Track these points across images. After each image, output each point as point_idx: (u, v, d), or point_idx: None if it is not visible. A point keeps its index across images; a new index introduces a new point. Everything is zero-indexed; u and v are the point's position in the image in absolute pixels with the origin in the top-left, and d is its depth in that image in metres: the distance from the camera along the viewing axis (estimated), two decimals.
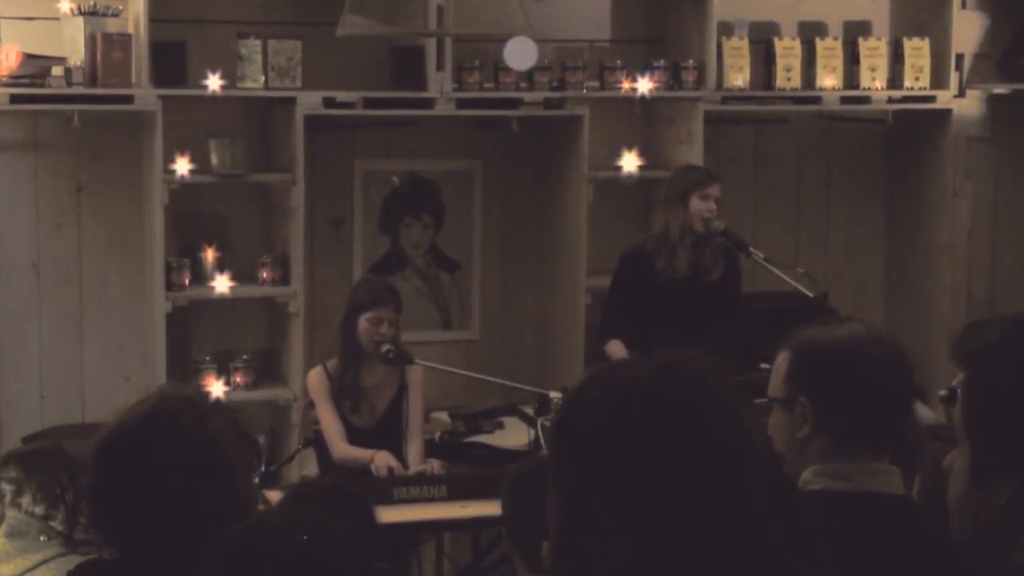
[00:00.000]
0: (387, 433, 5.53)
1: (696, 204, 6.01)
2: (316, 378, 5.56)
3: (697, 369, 1.61)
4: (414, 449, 5.49)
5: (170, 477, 2.30)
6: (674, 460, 1.53)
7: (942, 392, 1.94)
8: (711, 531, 1.52)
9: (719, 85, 6.79)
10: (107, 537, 2.42)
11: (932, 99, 7.10)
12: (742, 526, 1.52)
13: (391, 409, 5.58)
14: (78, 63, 6.02)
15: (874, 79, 7.00)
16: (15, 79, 5.99)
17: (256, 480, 2.50)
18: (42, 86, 6.00)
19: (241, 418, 2.46)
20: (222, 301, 6.40)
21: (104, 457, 2.39)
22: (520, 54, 5.36)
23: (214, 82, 6.09)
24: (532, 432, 5.54)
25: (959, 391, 1.87)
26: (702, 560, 1.51)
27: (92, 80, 6.04)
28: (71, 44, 6.11)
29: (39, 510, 3.56)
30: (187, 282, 6.30)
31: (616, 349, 6.02)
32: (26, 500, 3.58)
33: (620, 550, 1.54)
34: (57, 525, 3.56)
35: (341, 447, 5.43)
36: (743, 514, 1.53)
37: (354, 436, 5.49)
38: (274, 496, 4.79)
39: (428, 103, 6.46)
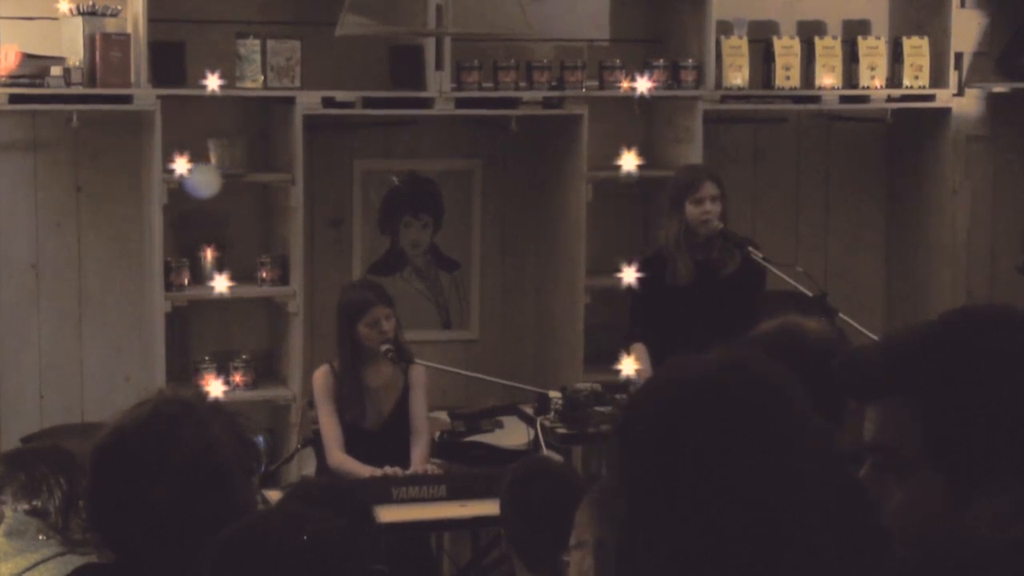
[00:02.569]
0: (394, 435, 5.50)
1: (691, 210, 5.99)
2: (321, 378, 5.52)
3: (763, 368, 1.63)
4: (417, 450, 5.47)
5: (168, 481, 2.30)
6: (738, 457, 1.55)
7: None
8: (774, 527, 1.53)
9: (718, 84, 6.79)
10: (105, 540, 2.42)
11: (931, 98, 7.10)
12: (804, 522, 1.54)
13: (397, 411, 5.55)
14: (77, 63, 6.02)
15: (873, 78, 7.00)
16: (14, 79, 5.99)
17: (255, 483, 2.49)
18: (41, 86, 6.00)
19: (240, 420, 2.46)
20: (221, 301, 6.40)
21: (102, 460, 2.39)
22: (202, 183, 5.52)
23: (213, 82, 6.09)
24: (531, 432, 5.54)
25: (891, 419, 1.80)
26: (763, 556, 1.53)
27: (91, 80, 6.04)
28: (70, 44, 6.11)
29: (23, 507, 3.56)
30: (186, 282, 6.30)
31: (638, 352, 6.01)
32: (8, 496, 3.57)
33: (683, 545, 1.55)
34: (50, 521, 3.55)
35: (339, 456, 5.40)
36: (806, 511, 1.54)
37: (361, 439, 5.46)
38: (274, 496, 4.78)
39: (427, 103, 6.45)
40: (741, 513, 1.54)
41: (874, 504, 1.69)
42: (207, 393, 5.70)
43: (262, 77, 6.27)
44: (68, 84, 5.99)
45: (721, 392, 1.59)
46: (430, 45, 6.41)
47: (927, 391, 1.73)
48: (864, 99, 7.06)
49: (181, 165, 6.11)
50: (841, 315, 5.94)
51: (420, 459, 5.44)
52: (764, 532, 1.53)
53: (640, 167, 6.72)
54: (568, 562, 2.22)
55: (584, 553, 2.17)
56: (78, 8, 6.08)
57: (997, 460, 1.70)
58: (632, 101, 6.71)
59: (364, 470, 5.28)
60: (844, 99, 7.04)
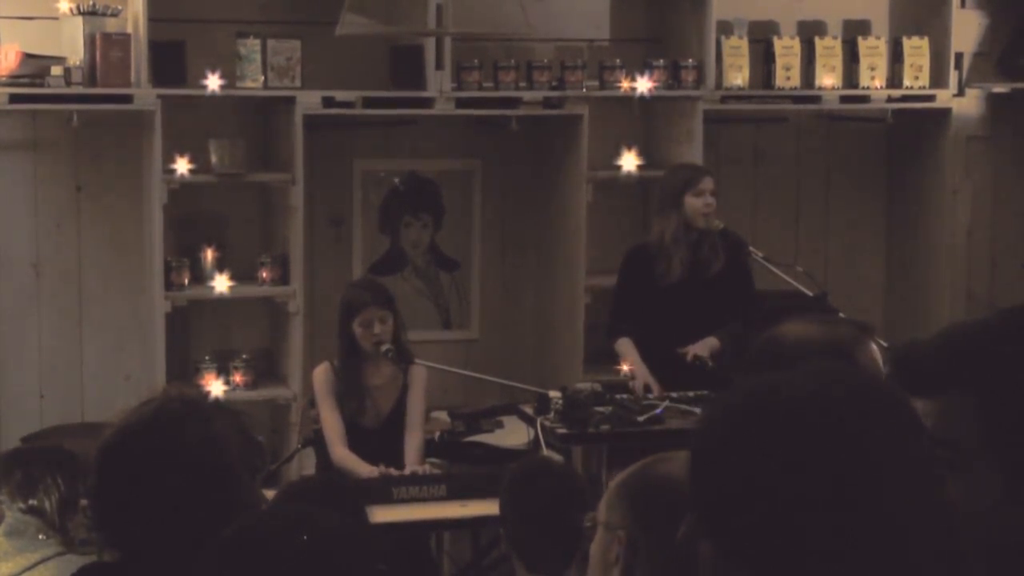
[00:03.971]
0: (392, 433, 5.49)
1: (692, 202, 6.00)
2: (322, 375, 5.50)
3: (875, 388, 1.49)
4: (411, 446, 5.46)
5: (173, 480, 2.30)
6: (845, 492, 1.39)
7: None
8: (884, 549, 1.39)
9: (718, 84, 6.79)
10: (110, 539, 2.42)
11: (931, 98, 7.10)
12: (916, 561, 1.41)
13: (396, 409, 5.54)
14: (77, 63, 6.02)
15: (873, 78, 7.00)
16: (14, 79, 5.98)
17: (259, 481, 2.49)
18: (41, 86, 6.00)
19: (244, 419, 2.46)
20: (221, 301, 6.40)
21: (107, 459, 2.39)
22: None
23: (213, 82, 6.09)
24: (531, 432, 5.54)
25: (949, 414, 1.80)
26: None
27: (91, 80, 6.03)
28: (70, 44, 6.11)
29: (20, 505, 3.57)
30: (186, 282, 6.30)
31: (625, 347, 6.02)
32: (5, 495, 3.58)
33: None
34: (48, 520, 3.56)
35: (341, 451, 5.39)
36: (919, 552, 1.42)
37: (360, 436, 5.45)
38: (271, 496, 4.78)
39: (427, 102, 6.45)
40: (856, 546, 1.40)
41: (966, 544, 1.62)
42: (208, 391, 5.72)
43: (262, 77, 6.27)
44: (68, 84, 5.99)
45: (826, 415, 1.43)
46: (430, 45, 6.41)
47: (987, 385, 1.73)
48: (864, 99, 7.06)
49: (181, 165, 6.11)
50: (841, 315, 5.95)
51: (414, 455, 5.41)
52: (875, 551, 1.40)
53: (640, 167, 6.74)
54: (589, 526, 2.20)
55: (606, 535, 2.14)
56: (78, 8, 6.07)
57: None
58: (632, 101, 6.71)
59: (365, 468, 5.27)
60: (844, 99, 7.04)
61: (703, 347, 5.91)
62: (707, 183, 6.02)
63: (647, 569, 2.03)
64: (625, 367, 5.98)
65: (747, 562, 1.43)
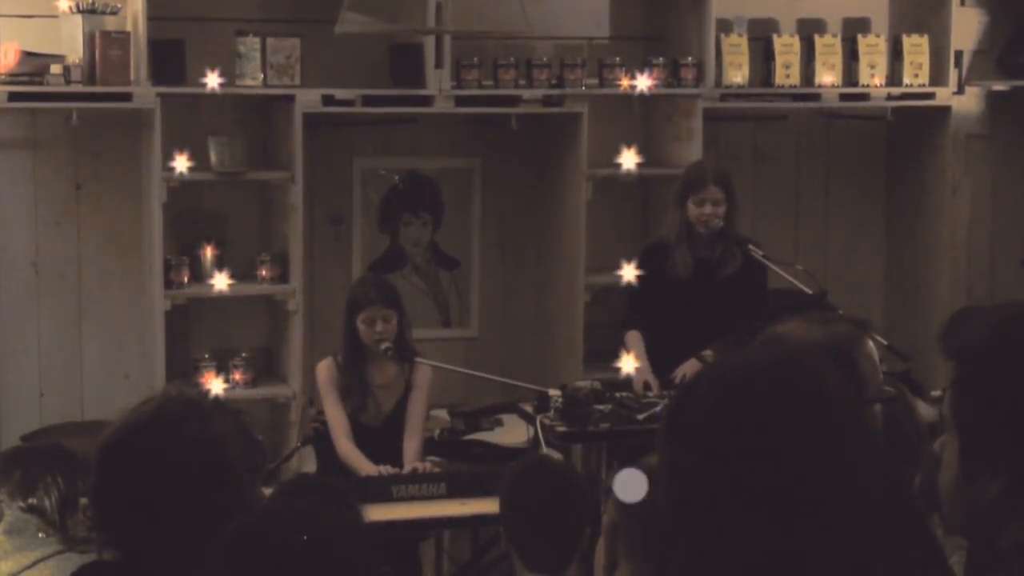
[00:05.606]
0: (393, 432, 5.49)
1: (692, 209, 6.01)
2: (325, 370, 5.50)
3: (818, 365, 1.66)
4: (411, 447, 5.46)
5: (173, 479, 2.30)
6: (789, 446, 1.57)
7: (935, 392, 1.95)
8: (824, 528, 1.55)
9: (718, 82, 6.79)
10: (110, 538, 2.42)
11: (931, 96, 7.10)
12: (855, 522, 1.56)
13: (398, 408, 5.54)
14: (77, 61, 6.02)
15: (873, 76, 7.00)
16: (14, 77, 5.98)
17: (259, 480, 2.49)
18: (41, 84, 6.00)
19: (244, 418, 2.46)
20: (221, 299, 6.40)
21: (107, 459, 2.39)
22: (631, 486, 5.36)
23: (213, 80, 6.08)
24: (531, 430, 5.54)
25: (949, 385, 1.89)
26: (805, 545, 1.55)
27: (91, 78, 6.03)
28: (70, 42, 6.11)
29: (19, 504, 3.57)
30: (186, 280, 6.30)
31: (633, 340, 6.02)
32: (4, 494, 3.58)
33: (732, 544, 1.56)
34: (48, 519, 3.56)
35: (346, 445, 5.39)
36: (856, 511, 1.57)
37: (361, 434, 5.45)
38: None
39: (427, 101, 6.45)
40: (791, 512, 1.56)
41: (912, 495, 1.75)
42: (208, 390, 5.72)
43: (262, 75, 6.27)
44: (68, 82, 5.99)
45: (774, 386, 1.62)
46: (430, 43, 6.41)
47: (964, 364, 1.78)
48: (864, 97, 7.06)
49: (181, 163, 6.11)
50: (840, 313, 5.94)
51: (413, 455, 5.41)
52: (810, 521, 1.55)
53: (640, 165, 6.72)
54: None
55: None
56: (78, 6, 6.07)
57: (1001, 444, 1.75)
58: (632, 99, 6.71)
59: (367, 466, 5.28)
60: (844, 97, 7.04)
61: (692, 369, 5.92)
62: (710, 192, 5.99)
63: (625, 545, 2.19)
64: (628, 362, 5.96)
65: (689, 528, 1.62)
